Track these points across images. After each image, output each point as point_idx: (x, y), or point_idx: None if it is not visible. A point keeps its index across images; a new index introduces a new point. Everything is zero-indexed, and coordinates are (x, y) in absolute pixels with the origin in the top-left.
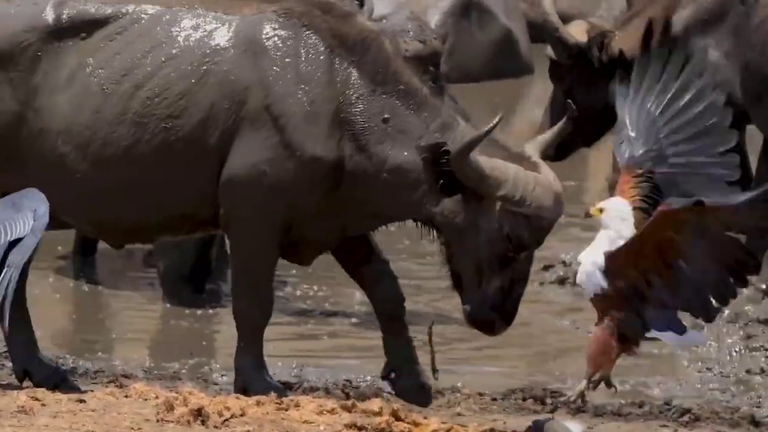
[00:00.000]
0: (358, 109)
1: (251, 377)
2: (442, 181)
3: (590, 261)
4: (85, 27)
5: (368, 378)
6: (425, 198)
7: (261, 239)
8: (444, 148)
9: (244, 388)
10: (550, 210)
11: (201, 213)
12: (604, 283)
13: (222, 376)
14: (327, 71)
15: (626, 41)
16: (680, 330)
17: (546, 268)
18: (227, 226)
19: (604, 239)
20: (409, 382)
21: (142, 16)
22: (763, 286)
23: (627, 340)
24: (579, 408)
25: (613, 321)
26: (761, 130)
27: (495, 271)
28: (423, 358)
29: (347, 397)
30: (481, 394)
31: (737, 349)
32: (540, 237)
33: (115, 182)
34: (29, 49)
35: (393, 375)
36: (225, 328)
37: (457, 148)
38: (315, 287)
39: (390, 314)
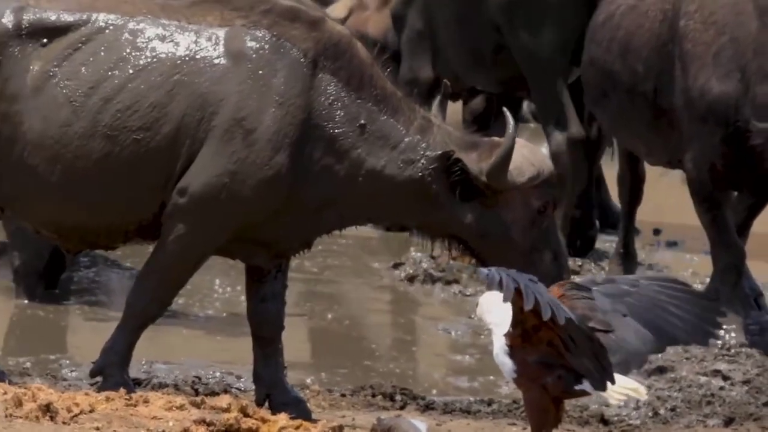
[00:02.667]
0: (332, 115)
1: (110, 367)
2: (458, 189)
3: (498, 346)
4: (47, 34)
5: (217, 375)
6: (427, 208)
7: (196, 247)
8: (454, 157)
9: (100, 371)
10: (551, 163)
11: (157, 219)
12: (513, 366)
13: (72, 371)
14: (300, 80)
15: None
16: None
17: (396, 265)
18: (166, 221)
19: (497, 338)
20: (284, 400)
21: (106, 25)
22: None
23: (562, 396)
24: (428, 405)
25: (540, 389)
26: (605, 127)
27: (543, 246)
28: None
29: (196, 393)
30: (330, 391)
31: None
32: (556, 188)
33: (84, 192)
34: None
35: (269, 399)
36: (76, 324)
37: (494, 165)
38: None
39: (268, 339)
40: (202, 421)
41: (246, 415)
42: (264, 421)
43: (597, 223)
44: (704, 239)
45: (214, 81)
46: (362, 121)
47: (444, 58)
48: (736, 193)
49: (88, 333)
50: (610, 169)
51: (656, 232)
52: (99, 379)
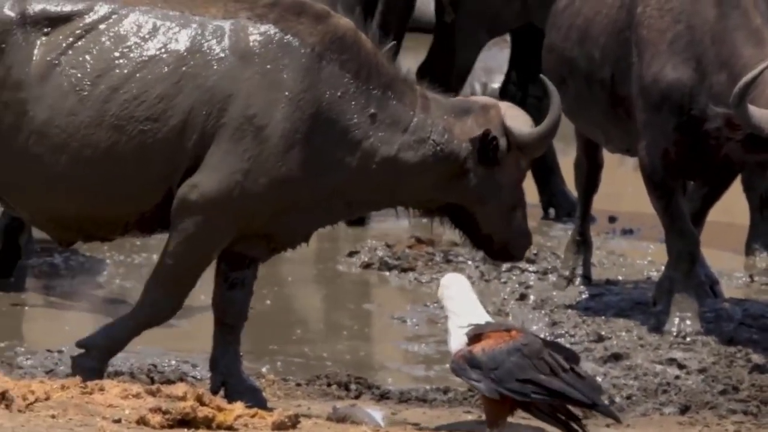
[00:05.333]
0: (343, 108)
1: (97, 349)
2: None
3: (455, 343)
4: (50, 22)
5: (173, 363)
6: (438, 183)
7: (208, 244)
8: (491, 135)
9: (85, 347)
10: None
11: (168, 213)
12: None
13: (27, 359)
14: (309, 74)
15: None
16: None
17: (351, 254)
18: (175, 219)
19: (453, 329)
20: (240, 388)
21: (109, 13)
22: (567, 273)
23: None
24: (383, 394)
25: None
26: (565, 111)
27: (518, 203)
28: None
29: (152, 381)
30: (285, 380)
31: (543, 335)
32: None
33: (88, 182)
34: None
35: (224, 386)
36: (32, 312)
37: (542, 134)
38: (122, 273)
39: (231, 326)
40: (157, 410)
41: (202, 403)
42: (220, 409)
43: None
44: (660, 227)
45: (221, 76)
46: (372, 111)
47: None
48: (692, 183)
49: (43, 321)
50: (567, 156)
51: (612, 219)
52: (58, 366)
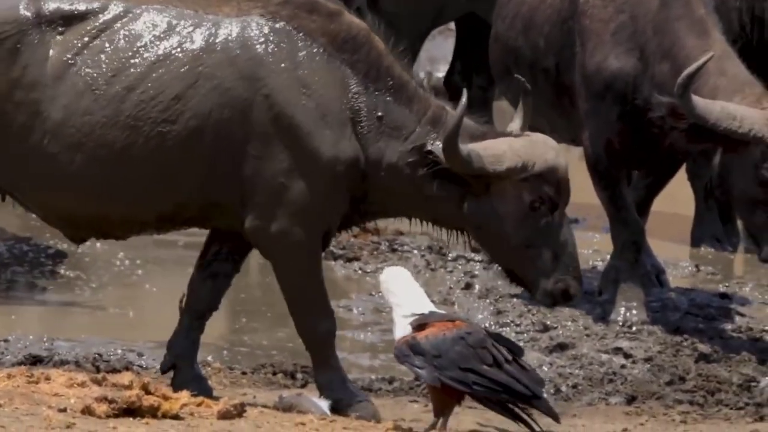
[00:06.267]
0: (355, 108)
1: (341, 392)
2: (438, 181)
3: (399, 331)
4: (65, 21)
5: (119, 352)
6: (430, 201)
7: (304, 251)
8: (426, 149)
9: (338, 404)
10: (556, 161)
11: (184, 213)
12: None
13: None
14: (324, 72)
15: None
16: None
17: None
18: (263, 243)
19: (398, 319)
20: (189, 375)
21: (124, 12)
22: None
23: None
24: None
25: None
26: (510, 102)
27: (541, 244)
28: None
29: (97, 370)
30: (231, 369)
31: (488, 324)
32: (564, 188)
33: (105, 181)
34: (7, 41)
35: (174, 369)
36: None
37: (444, 138)
38: (68, 261)
39: (200, 313)
40: (103, 399)
41: (147, 392)
42: (165, 398)
43: None
44: (605, 217)
45: (238, 78)
46: (379, 113)
47: None
48: (636, 172)
49: None
50: None
51: None
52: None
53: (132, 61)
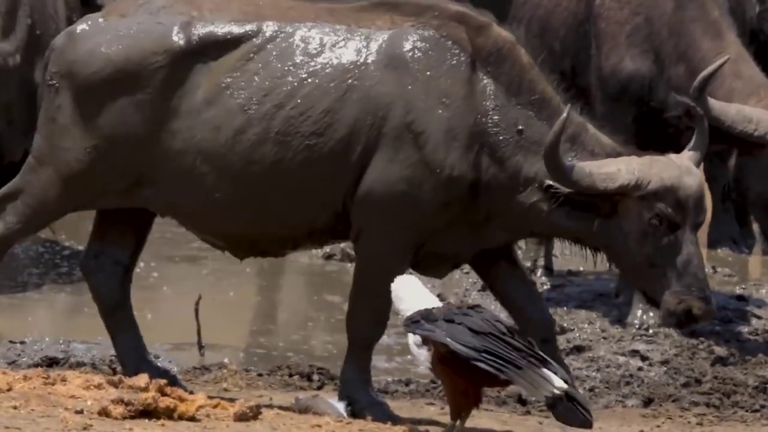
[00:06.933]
0: (494, 121)
1: (357, 391)
2: (566, 206)
3: (411, 342)
4: (218, 47)
5: None
6: (563, 218)
7: (391, 257)
8: (546, 184)
9: (350, 400)
10: (677, 181)
11: (331, 226)
12: (428, 361)
13: None
14: (466, 84)
15: None
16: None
17: None
18: (357, 240)
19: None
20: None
21: (276, 33)
22: (529, 264)
23: (481, 377)
24: None
25: (456, 376)
26: None
27: (664, 263)
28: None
29: (114, 372)
30: (247, 370)
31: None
32: (689, 208)
33: (253, 199)
34: (160, 71)
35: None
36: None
37: (543, 154)
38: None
39: (543, 338)
40: (120, 401)
41: (163, 394)
42: (182, 400)
43: None
44: None
45: (383, 84)
46: (520, 127)
47: None
48: None
49: (7, 312)
50: None
51: None
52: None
53: (283, 79)
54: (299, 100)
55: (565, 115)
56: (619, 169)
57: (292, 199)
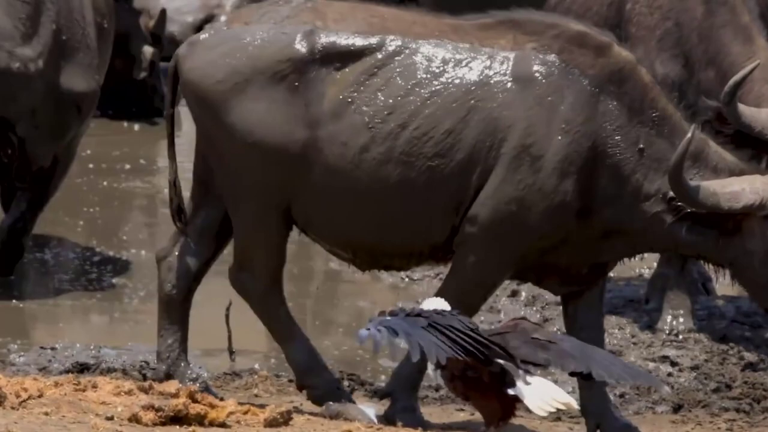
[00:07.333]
0: (614, 141)
1: (402, 390)
2: (688, 222)
3: (429, 368)
4: (341, 58)
5: None
6: (686, 230)
7: (486, 273)
8: (669, 197)
9: (391, 396)
10: None
11: (451, 243)
12: (441, 381)
13: (20, 356)
14: (587, 106)
15: None
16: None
17: None
18: (457, 251)
19: None
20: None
21: (400, 48)
22: None
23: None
24: (376, 391)
25: (475, 393)
26: None
27: None
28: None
29: (144, 378)
30: (278, 376)
31: None
32: None
33: (377, 214)
34: (286, 79)
35: None
36: (26, 309)
37: (668, 174)
38: (113, 269)
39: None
40: (150, 407)
41: (194, 400)
42: (212, 406)
43: None
44: None
45: (505, 106)
46: (641, 145)
47: None
48: None
49: (36, 318)
50: None
51: None
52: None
53: (406, 98)
54: (422, 121)
55: (689, 135)
56: (743, 188)
57: (414, 217)
